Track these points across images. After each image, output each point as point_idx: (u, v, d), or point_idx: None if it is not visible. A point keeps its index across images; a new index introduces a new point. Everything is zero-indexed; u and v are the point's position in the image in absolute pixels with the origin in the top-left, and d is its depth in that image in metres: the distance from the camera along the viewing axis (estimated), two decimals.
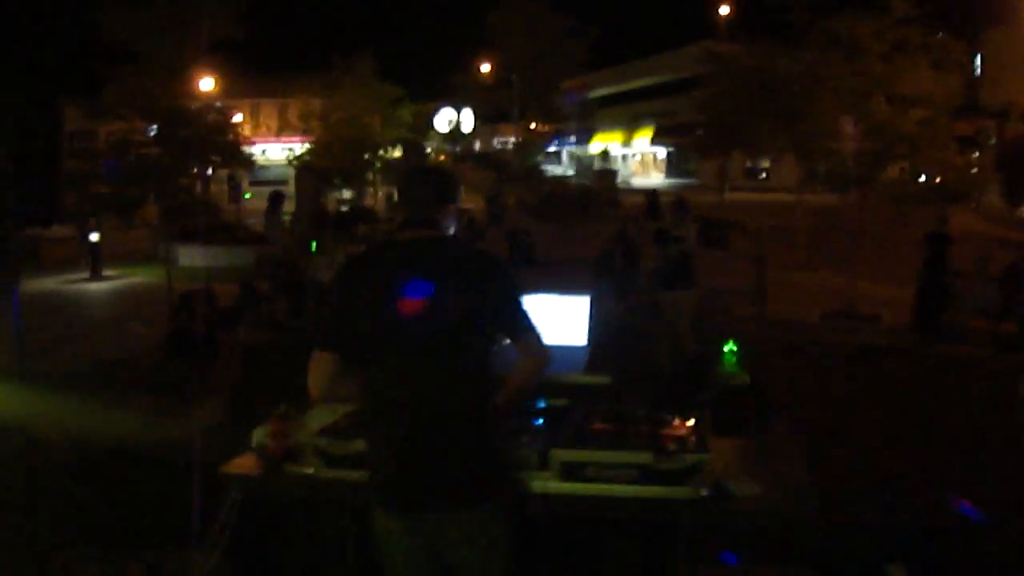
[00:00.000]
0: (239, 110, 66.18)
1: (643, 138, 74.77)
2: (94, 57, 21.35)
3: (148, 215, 26.57)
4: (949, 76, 19.56)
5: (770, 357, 14.09)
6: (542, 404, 4.91)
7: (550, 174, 68.55)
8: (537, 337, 4.04)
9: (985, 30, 45.12)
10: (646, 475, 4.40)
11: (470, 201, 39.15)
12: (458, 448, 3.86)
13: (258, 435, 5.05)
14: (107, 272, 27.11)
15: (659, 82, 66.94)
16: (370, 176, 45.23)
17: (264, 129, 64.59)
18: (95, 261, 27.12)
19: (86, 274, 26.96)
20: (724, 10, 50.69)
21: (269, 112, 63.06)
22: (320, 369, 4.01)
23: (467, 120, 42.83)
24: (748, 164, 61.10)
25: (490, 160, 46.51)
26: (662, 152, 77.64)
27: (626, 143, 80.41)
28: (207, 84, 37.38)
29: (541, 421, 4.84)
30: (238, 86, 60.72)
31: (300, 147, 43.57)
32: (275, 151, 54.61)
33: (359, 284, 3.99)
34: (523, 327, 4.00)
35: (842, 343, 15.93)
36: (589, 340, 5.27)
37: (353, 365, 4.00)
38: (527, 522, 4.27)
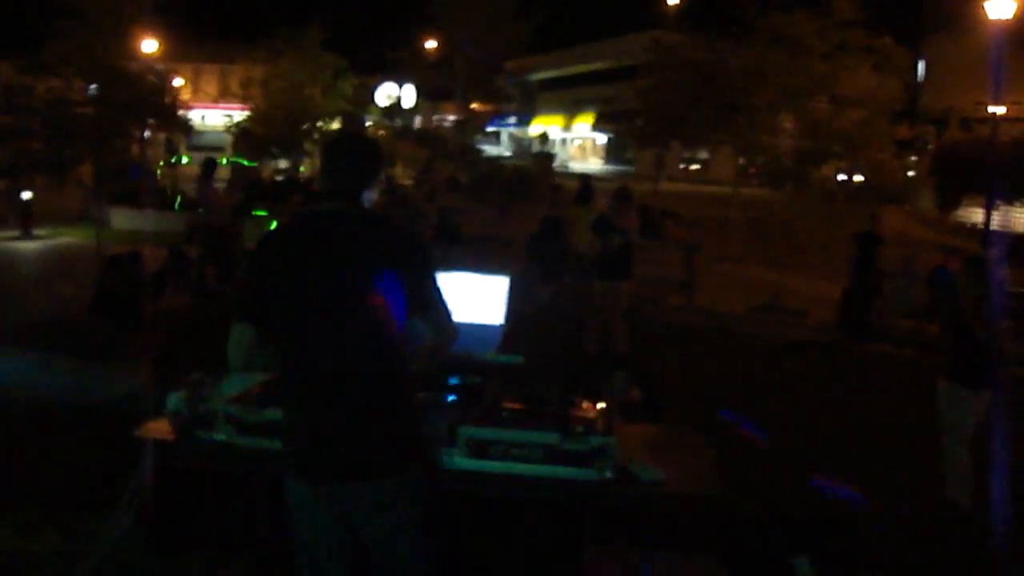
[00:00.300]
0: (180, 74, 65.90)
1: (584, 123, 74.91)
2: (34, 12, 21.02)
3: (83, 175, 26.19)
4: (889, 79, 19.81)
5: (693, 348, 14.28)
6: (454, 381, 4.90)
7: (487, 154, 68.60)
8: (445, 313, 4.04)
9: (928, 37, 45.75)
10: (551, 455, 4.41)
11: (406, 177, 39.11)
12: (370, 419, 3.85)
13: (172, 400, 5.03)
14: (38, 231, 26.76)
15: (603, 68, 67.10)
16: (308, 147, 44.94)
17: (204, 94, 63.99)
18: (26, 219, 26.79)
19: (16, 232, 26.61)
20: (673, 0, 50.72)
21: (210, 77, 62.37)
22: (238, 339, 3.98)
23: (408, 95, 42.66)
24: (686, 155, 61.39)
25: (427, 137, 46.20)
26: (602, 138, 77.83)
27: (566, 127, 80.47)
28: (150, 46, 36.85)
29: (453, 397, 4.83)
30: (180, 49, 60.03)
31: (240, 114, 43.28)
32: (215, 117, 54.06)
33: (277, 256, 3.97)
34: (432, 302, 3.99)
35: (767, 337, 16.10)
36: (506, 320, 5.26)
37: (271, 336, 3.98)
38: (438, 496, 4.24)
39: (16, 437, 8.36)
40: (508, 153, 74.52)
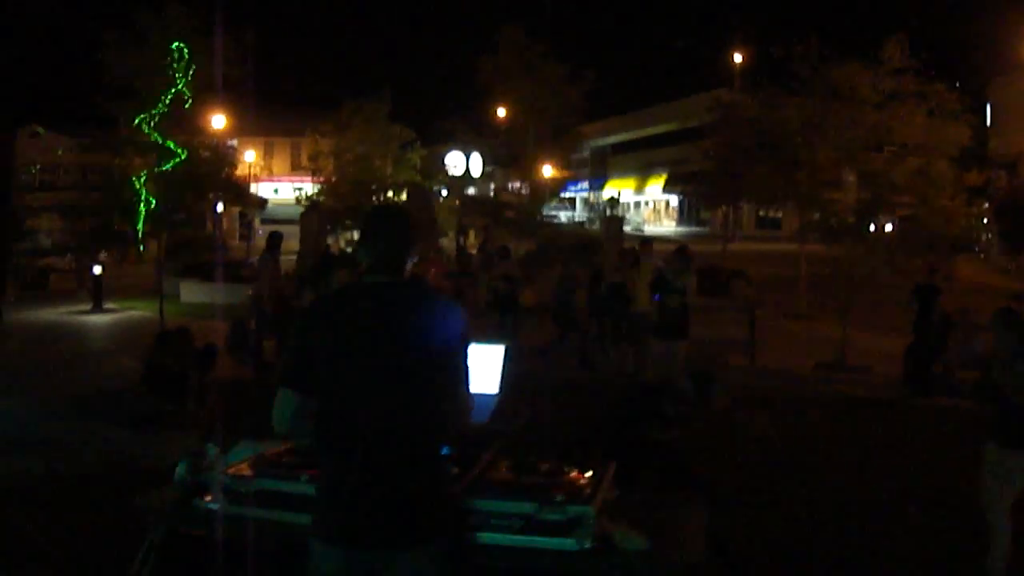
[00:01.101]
0: (252, 148, 67.18)
1: (655, 185, 74.92)
2: (99, 95, 21.60)
3: (152, 250, 26.76)
4: (946, 124, 19.54)
5: (749, 407, 14.03)
6: (445, 451, 4.85)
7: (558, 220, 68.75)
8: (469, 391, 4.15)
9: (992, 80, 45.21)
10: (529, 525, 4.31)
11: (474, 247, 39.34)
12: (410, 486, 3.89)
13: (179, 469, 4.98)
14: (108, 305, 27.32)
15: (672, 129, 67.21)
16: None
17: (276, 168, 65.04)
18: (97, 293, 27.40)
19: (88, 306, 27.19)
20: (738, 59, 50.70)
21: (282, 151, 63.36)
22: (283, 406, 3.98)
23: (476, 164, 42.91)
24: (761, 213, 61.05)
25: (489, 204, 46.25)
26: (675, 200, 77.72)
27: (639, 190, 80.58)
28: (218, 122, 37.61)
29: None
30: (253, 124, 61.20)
31: (311, 187, 43.87)
32: (288, 190, 54.86)
33: (324, 326, 4.01)
34: (465, 376, 4.12)
35: (829, 395, 15.84)
36: (500, 389, 5.22)
37: (315, 403, 4.00)
38: (469, 570, 4.22)
39: (41, 505, 8.43)
40: (581, 218, 74.77)
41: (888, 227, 25.45)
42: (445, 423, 4.07)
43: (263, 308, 16.44)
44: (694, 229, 66.72)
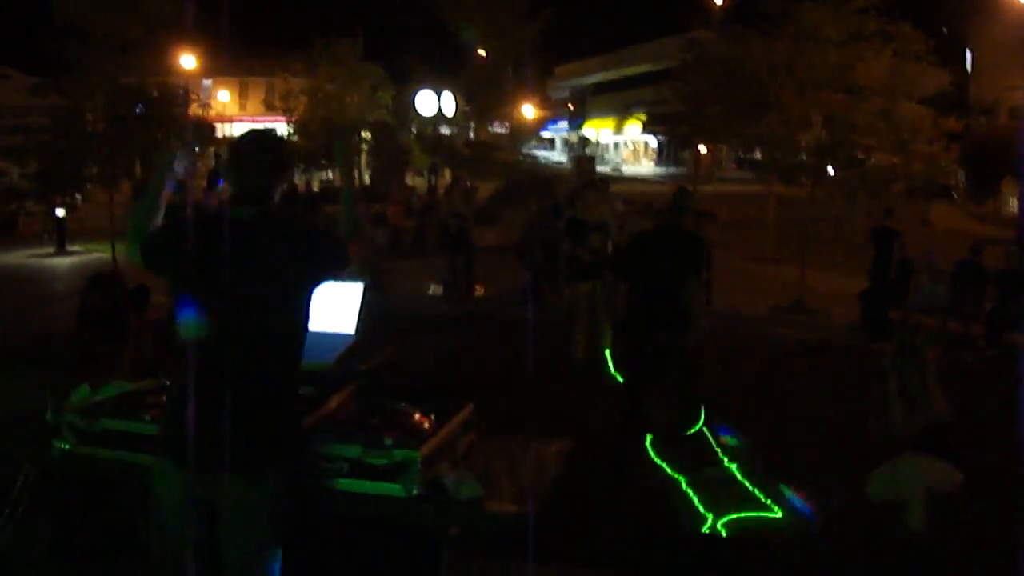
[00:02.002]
0: (227, 88, 66.60)
1: (634, 126, 74.42)
2: (44, 34, 21.32)
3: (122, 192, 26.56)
4: (909, 66, 19.23)
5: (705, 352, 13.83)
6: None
7: (542, 160, 68.40)
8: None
9: (972, 25, 44.89)
10: (356, 469, 4.22)
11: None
12: (250, 412, 3.78)
13: (48, 411, 4.96)
14: (72, 247, 27.18)
15: (651, 70, 66.55)
16: (356, 158, 45.11)
17: (252, 108, 64.47)
18: (60, 236, 27.28)
19: (52, 248, 27.07)
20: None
21: (257, 91, 62.69)
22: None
23: (448, 103, 42.53)
24: (741, 155, 60.75)
25: (437, 144, 45.53)
26: (654, 141, 77.24)
27: (618, 130, 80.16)
28: (188, 61, 37.20)
29: None
30: (226, 64, 60.55)
31: (286, 127, 43.64)
32: None
33: (185, 248, 3.87)
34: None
35: (784, 338, 15.65)
36: (356, 329, 5.05)
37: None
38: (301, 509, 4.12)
39: None
40: (562, 158, 74.43)
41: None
42: (291, 357, 3.98)
43: None
44: (672, 170, 66.42)
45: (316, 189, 44.08)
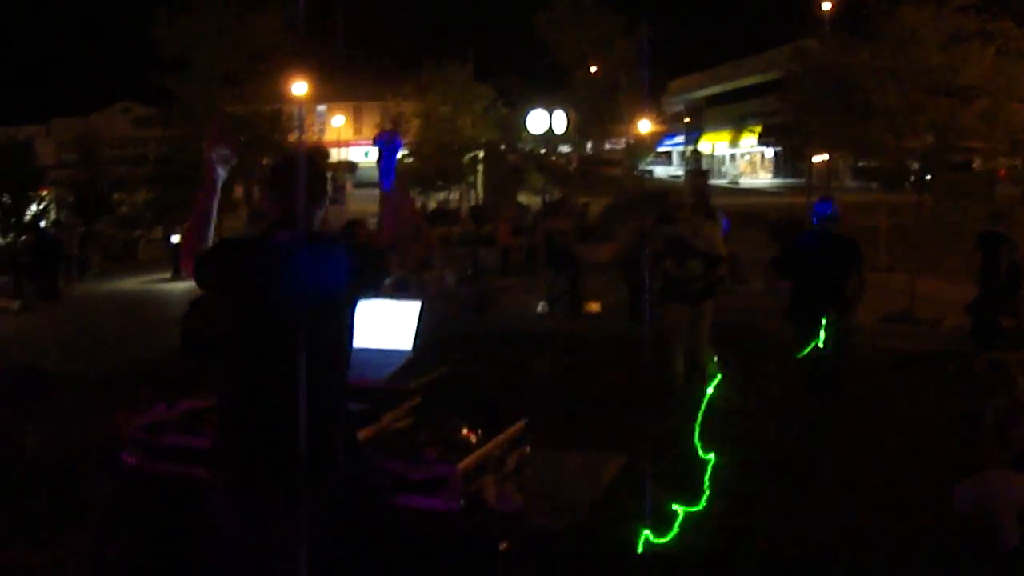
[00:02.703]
0: (341, 112, 67.56)
1: (750, 137, 73.59)
2: (151, 68, 22.00)
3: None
4: (1011, 64, 18.72)
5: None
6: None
7: (659, 175, 68.11)
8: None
9: None
10: (399, 483, 4.29)
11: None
12: (308, 428, 3.85)
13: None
14: None
15: (765, 80, 65.79)
16: (472, 178, 45.56)
17: (367, 132, 65.34)
18: (175, 262, 27.93)
19: (168, 274, 27.70)
20: (826, 6, 49.43)
21: (371, 114, 63.57)
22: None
23: (559, 122, 42.50)
24: (861, 164, 59.67)
25: (545, 164, 45.52)
26: (770, 152, 76.22)
27: (734, 143, 79.35)
28: (299, 88, 37.90)
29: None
30: (340, 90, 61.43)
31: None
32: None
33: (232, 273, 3.99)
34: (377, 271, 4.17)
35: (891, 348, 15.32)
36: (414, 346, 5.09)
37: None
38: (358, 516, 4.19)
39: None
40: (679, 172, 73.92)
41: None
42: (338, 372, 4.04)
43: None
44: (789, 181, 65.51)
45: (432, 208, 44.55)
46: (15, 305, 21.65)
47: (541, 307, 18.41)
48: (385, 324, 5.12)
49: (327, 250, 4.06)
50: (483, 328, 17.19)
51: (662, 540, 6.35)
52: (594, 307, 18.83)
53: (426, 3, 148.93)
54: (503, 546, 4.36)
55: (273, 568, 3.99)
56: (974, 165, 20.46)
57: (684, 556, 6.10)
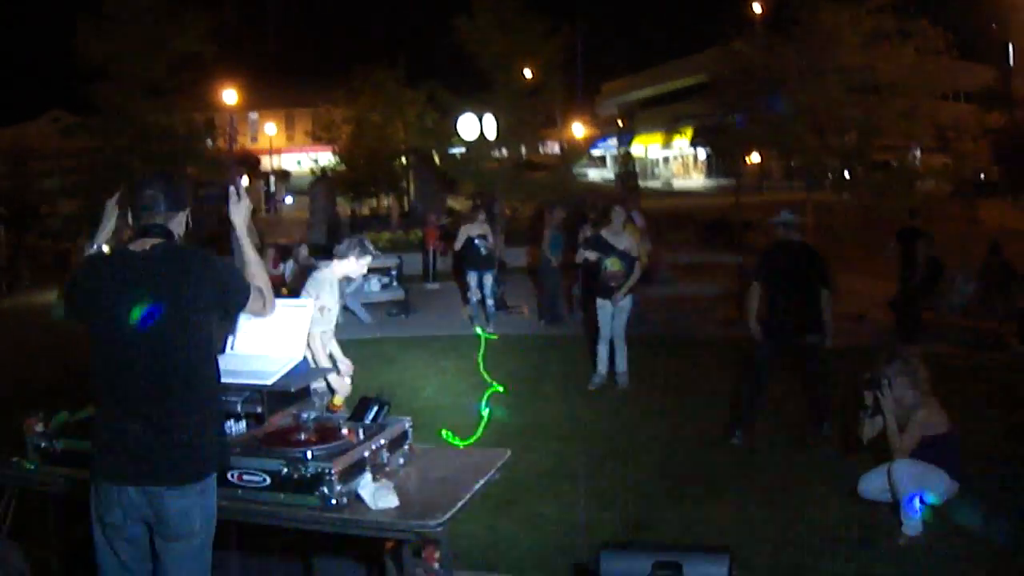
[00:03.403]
0: (273, 120, 67.15)
1: (683, 139, 73.99)
2: (74, 77, 21.88)
3: None
4: (930, 61, 19.02)
5: (724, 359, 13.72)
6: (237, 410, 4.81)
7: (590, 178, 68.31)
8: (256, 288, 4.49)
9: (1013, 20, 44.32)
10: (277, 482, 4.38)
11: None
12: (156, 432, 4.07)
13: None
14: None
15: (695, 83, 66.14)
16: (405, 184, 45.40)
17: (299, 139, 65.22)
18: None
19: None
20: (757, 8, 49.82)
21: (303, 121, 63.36)
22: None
23: (490, 126, 42.44)
24: (793, 163, 60.14)
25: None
26: (703, 153, 76.63)
27: (667, 145, 79.75)
28: (229, 96, 37.69)
29: (227, 423, 4.78)
30: (271, 97, 61.11)
31: (332, 156, 44.10)
32: (309, 161, 55.05)
33: (96, 290, 4.24)
34: (236, 291, 4.39)
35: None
36: (302, 351, 5.22)
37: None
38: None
39: None
40: (612, 175, 74.13)
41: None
42: (199, 374, 4.19)
43: None
44: (722, 182, 65.91)
45: (363, 214, 44.44)
46: None
47: (467, 311, 18.42)
48: (275, 328, 5.21)
49: (186, 261, 4.26)
50: (402, 332, 17.29)
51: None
52: (524, 310, 18.93)
53: (355, 9, 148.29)
54: (389, 545, 4.43)
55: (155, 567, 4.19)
56: (891, 163, 20.70)
57: None
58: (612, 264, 12.33)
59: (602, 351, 12.59)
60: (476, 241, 17.50)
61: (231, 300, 4.38)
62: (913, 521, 6.98)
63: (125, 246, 4.48)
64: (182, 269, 4.20)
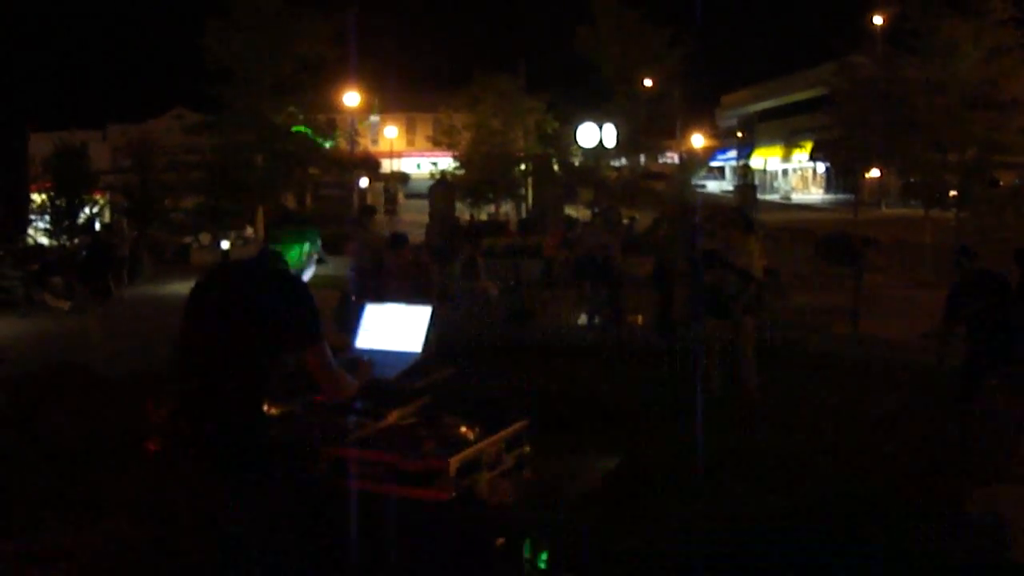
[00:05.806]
0: (394, 124, 67.98)
1: (802, 153, 73.06)
2: (201, 77, 22.48)
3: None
4: None
5: (838, 377, 13.58)
6: (358, 405, 4.98)
7: (708, 190, 68.00)
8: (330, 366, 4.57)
9: None
10: (392, 475, 4.47)
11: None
12: (220, 425, 4.39)
13: None
14: None
15: (814, 96, 65.44)
16: (522, 191, 45.68)
17: (419, 143, 65.88)
18: None
19: None
20: (878, 20, 49.24)
21: (424, 126, 64.05)
22: None
23: (609, 135, 42.57)
24: (912, 179, 59.17)
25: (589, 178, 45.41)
26: (821, 167, 75.50)
27: (786, 158, 78.81)
28: (351, 99, 38.27)
29: (353, 418, 4.91)
30: (394, 101, 61.84)
31: (451, 161, 44.54)
32: (429, 165, 55.55)
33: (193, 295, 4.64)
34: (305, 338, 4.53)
35: (928, 364, 15.24)
36: (424, 349, 5.37)
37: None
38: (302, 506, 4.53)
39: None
40: (731, 187, 73.62)
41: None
42: (260, 377, 4.45)
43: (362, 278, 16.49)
44: (840, 196, 65.05)
45: (475, 221, 44.79)
46: (67, 306, 22.03)
47: (582, 319, 18.47)
48: (397, 327, 5.46)
49: (270, 285, 4.57)
50: (522, 338, 17.32)
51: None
52: (638, 320, 18.89)
53: (477, 16, 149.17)
54: (499, 541, 4.55)
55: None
56: (1001, 182, 20.35)
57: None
58: (728, 280, 12.05)
59: (714, 371, 12.12)
60: (595, 249, 17.57)
61: (291, 333, 4.49)
62: None
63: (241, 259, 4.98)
64: (260, 284, 4.56)
